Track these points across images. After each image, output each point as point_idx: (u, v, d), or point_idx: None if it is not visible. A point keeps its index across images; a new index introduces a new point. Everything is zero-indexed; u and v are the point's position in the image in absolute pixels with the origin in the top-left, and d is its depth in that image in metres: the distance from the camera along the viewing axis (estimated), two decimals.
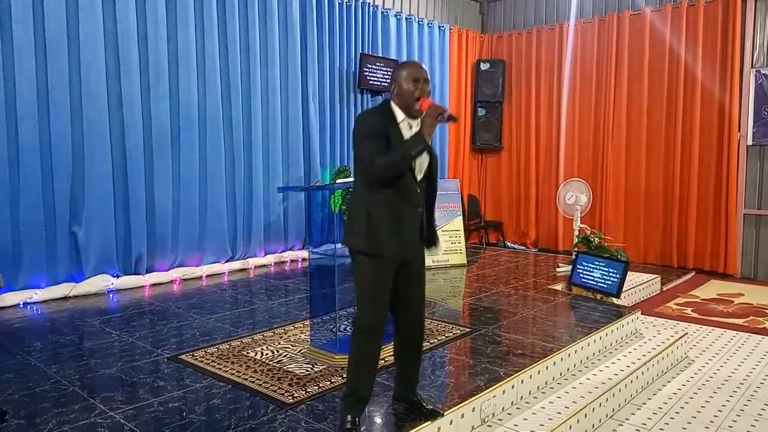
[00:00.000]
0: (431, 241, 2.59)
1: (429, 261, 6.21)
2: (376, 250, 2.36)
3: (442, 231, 6.23)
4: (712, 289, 6.31)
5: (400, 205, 2.38)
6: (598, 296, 4.87)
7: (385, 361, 3.22)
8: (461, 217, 6.46)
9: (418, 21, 7.98)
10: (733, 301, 5.79)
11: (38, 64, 4.57)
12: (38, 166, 4.61)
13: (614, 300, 4.81)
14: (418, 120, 2.39)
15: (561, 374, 3.41)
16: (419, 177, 2.45)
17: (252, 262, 6.14)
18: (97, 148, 4.91)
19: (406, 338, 2.58)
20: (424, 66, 2.48)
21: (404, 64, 2.50)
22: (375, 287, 2.40)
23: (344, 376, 2.82)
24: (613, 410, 3.24)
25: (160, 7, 5.24)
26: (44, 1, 4.55)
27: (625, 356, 3.77)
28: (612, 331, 3.97)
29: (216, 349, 3.47)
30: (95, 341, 3.66)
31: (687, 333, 4.35)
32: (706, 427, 3.10)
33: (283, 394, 2.80)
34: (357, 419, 2.41)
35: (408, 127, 2.40)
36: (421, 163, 2.43)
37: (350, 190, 6.23)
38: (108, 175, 5.01)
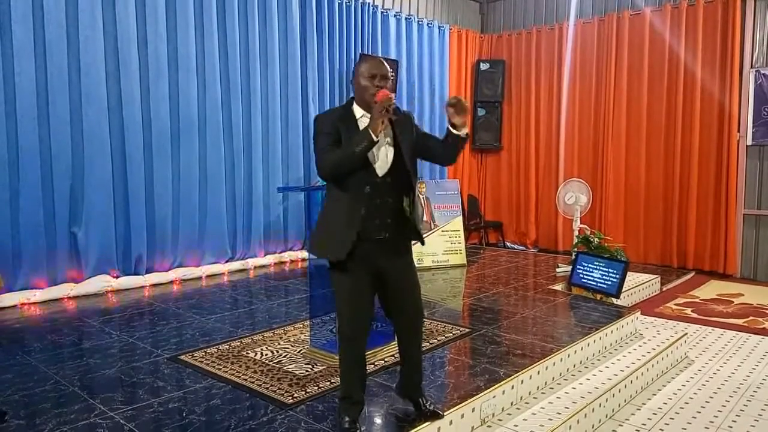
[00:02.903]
0: (417, 235, 2.49)
1: (429, 261, 6.27)
2: (327, 255, 2.35)
3: (442, 231, 6.24)
4: (711, 289, 6.31)
5: (355, 205, 2.31)
6: (598, 296, 4.87)
7: (385, 362, 3.23)
8: (461, 218, 6.46)
9: (418, 21, 7.98)
10: (733, 302, 5.79)
11: (38, 65, 4.57)
12: (38, 166, 4.61)
13: (614, 300, 4.81)
14: None
15: (561, 374, 3.41)
16: (381, 172, 2.35)
17: (252, 262, 6.14)
18: (96, 148, 4.91)
19: (402, 339, 2.57)
20: (383, 61, 2.42)
21: (363, 58, 2.46)
22: (348, 296, 2.37)
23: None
24: (613, 410, 3.24)
25: (160, 9, 5.24)
26: (44, 2, 4.55)
27: (624, 356, 3.77)
28: (612, 332, 3.97)
29: (216, 350, 3.46)
30: (95, 342, 3.66)
31: (687, 333, 4.35)
32: (706, 428, 3.10)
33: (282, 395, 2.80)
34: (355, 420, 2.41)
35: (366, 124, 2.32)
36: (382, 157, 2.35)
37: None
38: (108, 176, 5.01)
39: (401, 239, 2.45)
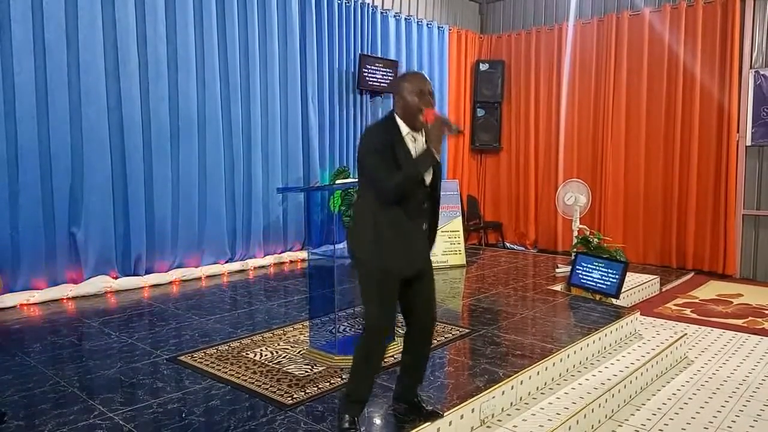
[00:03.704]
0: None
1: None
2: (384, 266, 2.36)
3: (442, 231, 6.24)
4: (711, 289, 6.32)
5: (408, 222, 2.38)
6: (598, 297, 4.87)
7: (385, 362, 3.22)
8: (460, 218, 6.46)
9: (418, 21, 7.98)
10: (732, 302, 5.79)
11: (37, 65, 4.57)
12: (37, 166, 4.61)
13: (613, 301, 4.81)
14: (422, 132, 2.38)
15: (560, 375, 3.41)
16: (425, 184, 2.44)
17: (251, 263, 6.14)
18: (96, 148, 4.91)
19: (414, 342, 2.58)
20: (427, 78, 2.44)
21: (407, 75, 2.46)
22: (382, 294, 2.39)
23: (344, 377, 2.81)
24: (613, 411, 3.24)
25: (159, 8, 5.24)
26: (43, 1, 4.55)
27: (624, 357, 3.77)
28: (611, 332, 3.97)
29: (215, 351, 3.46)
30: (94, 342, 3.65)
31: (686, 333, 4.35)
32: (705, 428, 3.10)
33: (282, 396, 2.80)
34: (356, 419, 2.41)
35: (412, 140, 2.38)
36: (428, 176, 2.42)
37: (349, 191, 6.21)
38: (107, 176, 5.01)
39: (429, 245, 2.55)
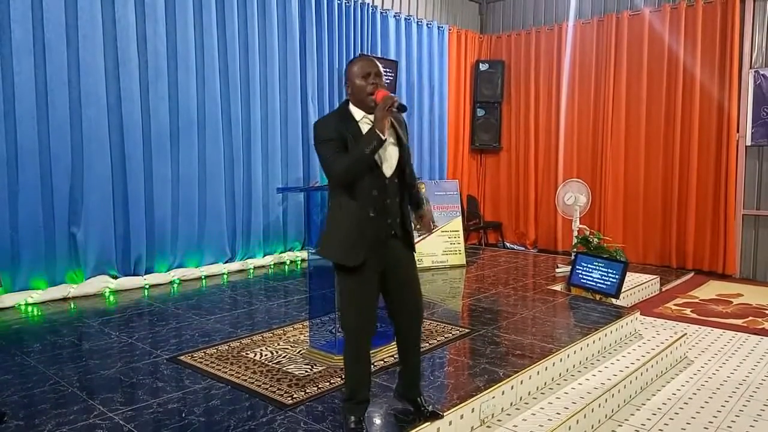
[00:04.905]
0: (408, 240, 2.50)
1: (428, 261, 6.27)
2: (344, 261, 2.34)
3: (442, 231, 6.24)
4: (711, 289, 6.32)
5: (365, 208, 2.33)
6: (598, 297, 4.88)
7: (385, 362, 3.23)
8: (460, 218, 6.46)
9: (417, 21, 7.98)
10: (732, 302, 5.79)
11: (37, 65, 4.57)
12: (37, 166, 4.61)
13: (613, 300, 4.81)
14: None
15: (560, 375, 3.41)
16: (389, 173, 2.38)
17: (251, 262, 6.13)
18: (96, 148, 4.91)
19: (403, 338, 2.57)
20: (374, 59, 2.44)
21: (354, 60, 2.44)
22: (355, 295, 2.38)
23: (344, 377, 2.81)
24: (613, 411, 3.24)
25: (159, 8, 5.24)
26: (43, 1, 4.55)
27: (624, 357, 3.77)
28: (611, 332, 3.97)
29: (215, 350, 3.46)
30: (94, 342, 3.65)
31: (686, 333, 4.35)
32: (705, 428, 3.10)
33: (282, 395, 2.80)
34: (361, 419, 2.42)
35: (369, 124, 2.33)
36: (389, 158, 2.37)
37: None
38: (107, 176, 5.00)
39: (406, 237, 2.48)
